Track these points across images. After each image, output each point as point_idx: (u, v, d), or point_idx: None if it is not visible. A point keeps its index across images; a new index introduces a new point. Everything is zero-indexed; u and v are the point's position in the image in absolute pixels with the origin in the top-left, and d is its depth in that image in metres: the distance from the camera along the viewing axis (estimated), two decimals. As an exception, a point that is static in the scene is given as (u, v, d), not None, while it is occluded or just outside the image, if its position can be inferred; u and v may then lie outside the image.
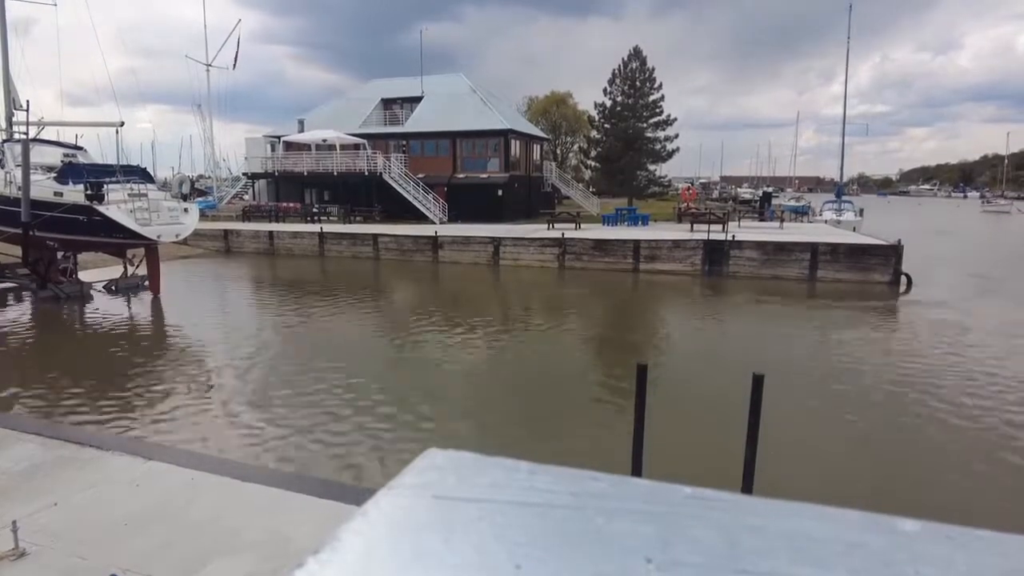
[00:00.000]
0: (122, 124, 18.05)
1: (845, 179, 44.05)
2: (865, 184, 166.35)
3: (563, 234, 24.24)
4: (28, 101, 16.63)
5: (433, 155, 35.91)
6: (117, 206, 15.82)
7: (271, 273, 23.90)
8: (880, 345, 12.97)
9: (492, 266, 23.81)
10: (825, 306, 17.24)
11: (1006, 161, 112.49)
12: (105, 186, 15.85)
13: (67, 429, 6.77)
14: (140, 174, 17.68)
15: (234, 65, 42.97)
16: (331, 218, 33.11)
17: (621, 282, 21.11)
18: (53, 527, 4.75)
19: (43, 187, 15.77)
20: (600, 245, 23.24)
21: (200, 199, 46.02)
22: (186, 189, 18.92)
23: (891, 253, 19.98)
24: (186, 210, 17.80)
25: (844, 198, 35.59)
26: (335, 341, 13.30)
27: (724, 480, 6.22)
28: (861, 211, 33.81)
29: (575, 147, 62.14)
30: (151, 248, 17.48)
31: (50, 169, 17.21)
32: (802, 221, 36.14)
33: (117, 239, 16.48)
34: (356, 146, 34.25)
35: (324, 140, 34.54)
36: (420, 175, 33.64)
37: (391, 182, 32.60)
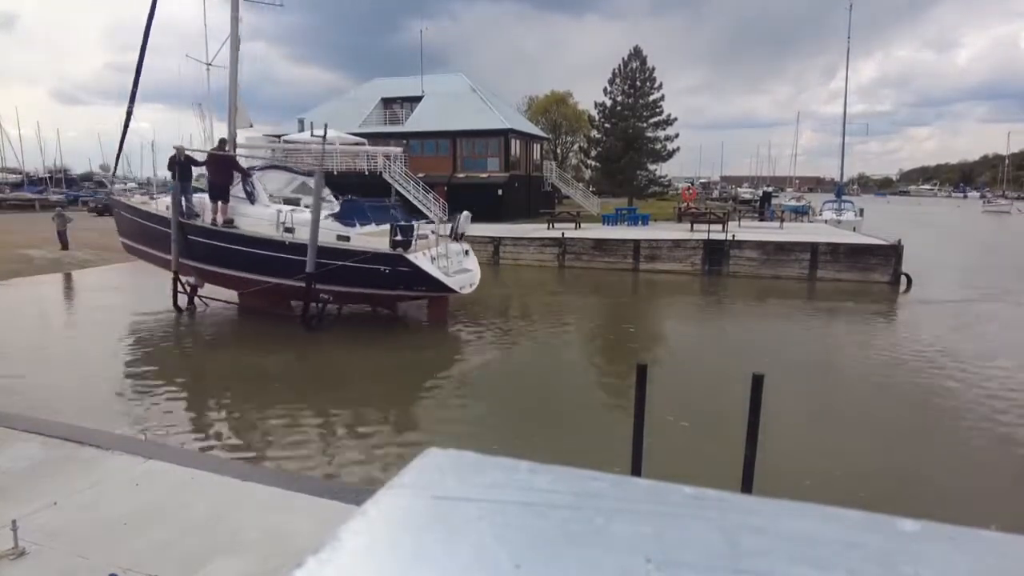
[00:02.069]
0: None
1: (845, 179, 44.06)
2: (865, 184, 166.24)
3: (563, 234, 24.25)
4: (326, 125, 14.01)
5: (433, 155, 35.91)
6: (422, 253, 13.29)
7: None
8: (880, 345, 12.96)
9: (492, 265, 23.80)
10: (825, 306, 17.24)
11: (1007, 161, 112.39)
12: (414, 231, 13.29)
13: (67, 428, 6.76)
14: (400, 209, 15.36)
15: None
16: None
17: (621, 282, 21.10)
18: (53, 526, 4.75)
19: (325, 230, 12.87)
20: (600, 245, 23.25)
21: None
22: (465, 228, 15.57)
23: (891, 253, 19.98)
24: (467, 252, 15.17)
25: (844, 198, 35.59)
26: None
27: (723, 480, 6.22)
28: (861, 211, 33.81)
29: (575, 147, 62.15)
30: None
31: (292, 203, 14.79)
32: (802, 221, 36.13)
33: (417, 292, 13.65)
34: (356, 145, 34.24)
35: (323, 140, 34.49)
36: (420, 175, 33.64)
37: (391, 182, 32.58)
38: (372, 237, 13.29)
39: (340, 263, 12.82)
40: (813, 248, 20.69)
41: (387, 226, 13.35)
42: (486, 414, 9.18)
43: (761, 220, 35.74)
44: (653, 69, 38.34)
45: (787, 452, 7.18)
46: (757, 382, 5.34)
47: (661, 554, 0.41)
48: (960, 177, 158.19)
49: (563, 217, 28.92)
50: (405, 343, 13.19)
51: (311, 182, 15.85)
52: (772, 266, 20.99)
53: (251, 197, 14.39)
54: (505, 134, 34.90)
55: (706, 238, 22.15)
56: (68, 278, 20.83)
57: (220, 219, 13.98)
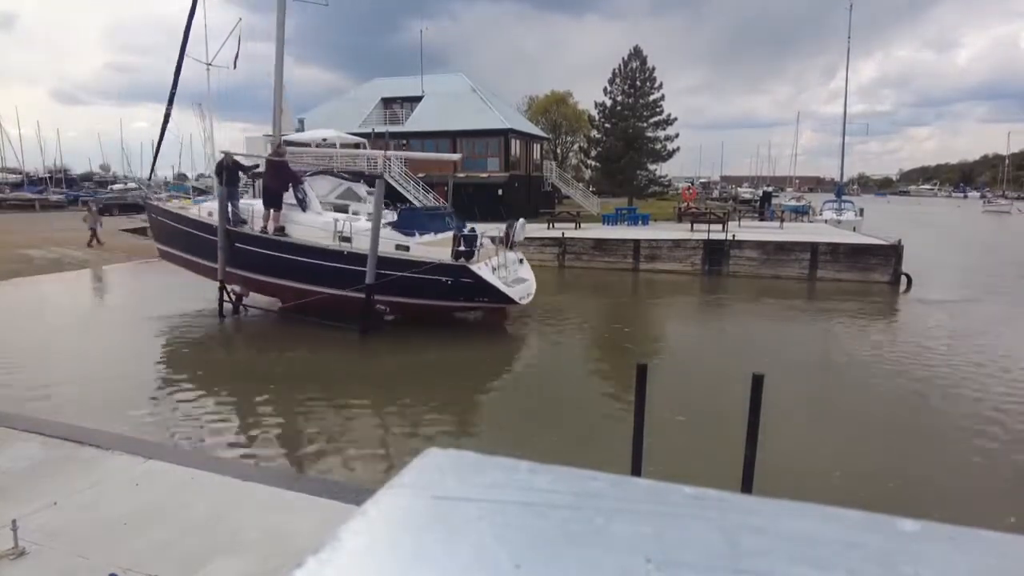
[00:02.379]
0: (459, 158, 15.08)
1: (845, 179, 44.06)
2: (865, 184, 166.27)
3: (563, 233, 24.24)
4: (386, 133, 13.22)
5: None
6: (484, 263, 12.89)
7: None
8: (880, 345, 12.96)
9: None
10: (825, 306, 17.24)
11: (1007, 161, 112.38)
12: (478, 241, 12.94)
13: (67, 428, 6.76)
14: (453, 216, 14.69)
15: (235, 65, 42.91)
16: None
17: (621, 281, 21.10)
18: (53, 526, 4.75)
19: (384, 240, 12.44)
20: (600, 245, 23.25)
21: (200, 198, 46.02)
22: (519, 236, 14.82)
23: (891, 253, 19.98)
24: (521, 261, 14.67)
25: (844, 198, 35.59)
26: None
27: (723, 480, 6.22)
28: (861, 211, 33.82)
29: (575, 147, 62.16)
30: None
31: (340, 210, 14.47)
32: (802, 221, 36.13)
33: (478, 303, 13.30)
34: (356, 145, 34.28)
35: (324, 139, 34.52)
36: (420, 175, 33.64)
37: (391, 182, 32.59)
38: (431, 247, 12.92)
39: (400, 274, 12.46)
40: (813, 248, 20.69)
41: (445, 235, 13.13)
42: (487, 407, 9.18)
43: (761, 220, 35.74)
44: (653, 69, 38.37)
45: (787, 452, 7.18)
46: (757, 382, 5.34)
47: (661, 554, 0.41)
48: (960, 177, 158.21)
49: (563, 217, 28.93)
50: (451, 343, 13.19)
51: (356, 188, 15.66)
52: (772, 266, 20.99)
53: (303, 204, 13.92)
54: (505, 134, 34.90)
55: (706, 238, 22.15)
56: (77, 276, 20.83)
57: (272, 227, 13.55)
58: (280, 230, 13.56)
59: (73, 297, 18.55)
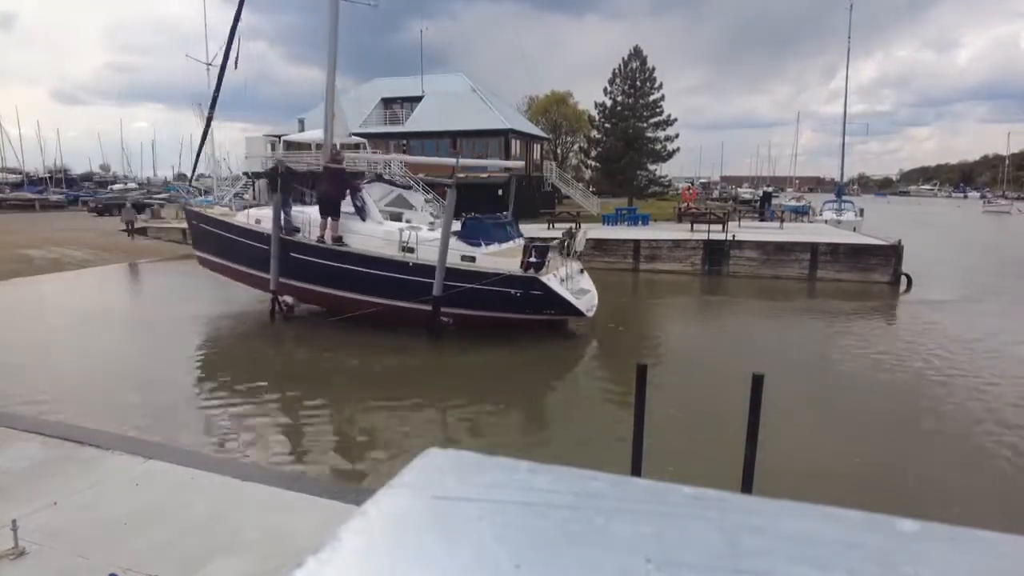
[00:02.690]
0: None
1: (845, 179, 44.04)
2: (865, 184, 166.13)
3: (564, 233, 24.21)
4: (457, 143, 12.47)
5: (433, 154, 35.93)
6: (553, 275, 12.46)
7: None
8: (879, 345, 12.96)
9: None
10: (825, 306, 17.24)
11: (1007, 161, 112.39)
12: (549, 253, 12.52)
13: (66, 428, 6.76)
14: (514, 225, 14.46)
15: (235, 65, 42.90)
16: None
17: (621, 281, 21.09)
18: (53, 526, 4.75)
19: (451, 250, 12.10)
20: (600, 245, 23.22)
21: (200, 198, 45.99)
22: (581, 246, 14.59)
23: (891, 253, 19.98)
24: (582, 271, 14.33)
25: (844, 198, 35.58)
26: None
27: (723, 480, 6.22)
28: (861, 211, 33.81)
29: (575, 147, 62.14)
30: None
31: (395, 218, 13.96)
32: (802, 221, 36.11)
33: (545, 315, 12.67)
34: (356, 145, 34.29)
35: (324, 139, 34.58)
36: (420, 175, 33.62)
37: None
38: (497, 257, 12.65)
39: (469, 285, 12.08)
40: (813, 248, 20.69)
41: (508, 245, 12.99)
42: (486, 407, 9.17)
43: (761, 220, 35.71)
44: (653, 69, 38.36)
45: (787, 452, 7.18)
46: (757, 382, 5.34)
47: (661, 554, 0.41)
48: (960, 177, 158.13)
49: (563, 217, 28.91)
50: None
51: (408, 195, 15.14)
52: (772, 266, 20.99)
53: (362, 213, 13.48)
54: (505, 134, 34.90)
55: (706, 238, 22.15)
56: (76, 275, 20.84)
57: (329, 236, 13.19)
58: (338, 239, 13.18)
59: (75, 296, 18.55)
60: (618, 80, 38.79)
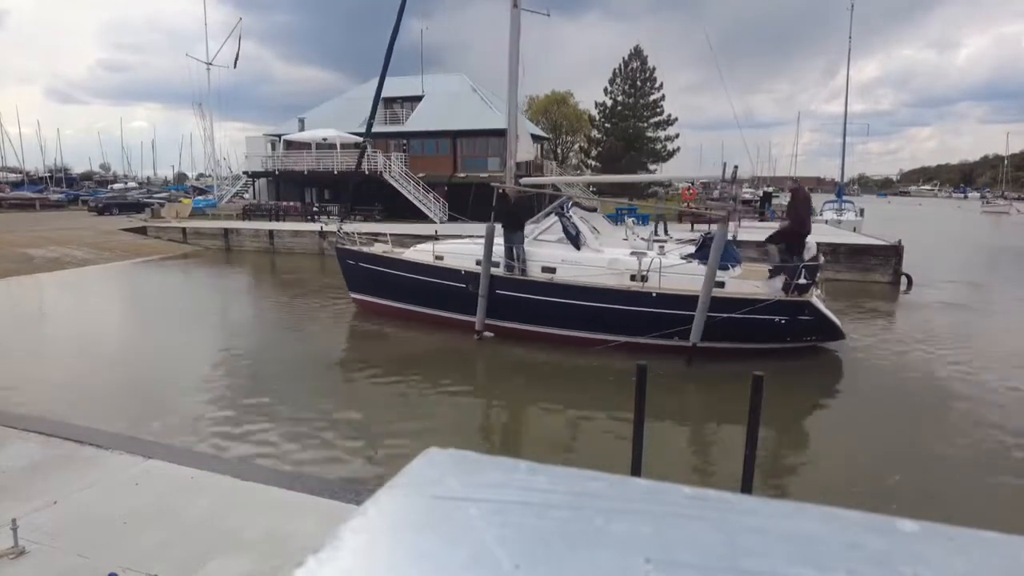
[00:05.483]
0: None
1: (846, 179, 44.05)
2: (866, 184, 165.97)
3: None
4: (736, 168, 11.35)
5: (433, 154, 35.94)
6: (817, 296, 11.20)
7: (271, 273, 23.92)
8: (879, 345, 12.95)
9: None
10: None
11: (1006, 161, 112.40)
12: (819, 271, 11.29)
13: (67, 427, 6.76)
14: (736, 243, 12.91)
15: (235, 64, 42.97)
16: (331, 217, 33.14)
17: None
18: (53, 525, 4.75)
19: (691, 275, 10.77)
20: (600, 245, 23.19)
21: (200, 198, 46.08)
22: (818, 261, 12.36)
23: (891, 253, 19.97)
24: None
25: (845, 198, 35.58)
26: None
27: (723, 479, 6.23)
28: (862, 211, 33.81)
29: (575, 147, 62.16)
30: None
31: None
32: (802, 221, 36.04)
33: (803, 342, 11.24)
34: (356, 145, 34.33)
35: (324, 139, 34.59)
36: (420, 175, 33.64)
37: (391, 181, 32.61)
38: (743, 280, 11.31)
39: (726, 315, 10.50)
40: (813, 248, 20.66)
41: (744, 265, 11.82)
42: (487, 405, 9.16)
43: (761, 220, 35.70)
44: (653, 69, 38.43)
45: (787, 452, 7.19)
46: (757, 382, 5.35)
47: (660, 554, 0.41)
48: (960, 177, 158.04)
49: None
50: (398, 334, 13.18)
51: (590, 217, 13.26)
52: (772, 266, 20.94)
53: (575, 241, 12.09)
54: (505, 134, 34.86)
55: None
56: (76, 275, 20.84)
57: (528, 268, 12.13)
58: (550, 270, 12.05)
59: (75, 295, 18.56)
60: (618, 80, 38.87)
